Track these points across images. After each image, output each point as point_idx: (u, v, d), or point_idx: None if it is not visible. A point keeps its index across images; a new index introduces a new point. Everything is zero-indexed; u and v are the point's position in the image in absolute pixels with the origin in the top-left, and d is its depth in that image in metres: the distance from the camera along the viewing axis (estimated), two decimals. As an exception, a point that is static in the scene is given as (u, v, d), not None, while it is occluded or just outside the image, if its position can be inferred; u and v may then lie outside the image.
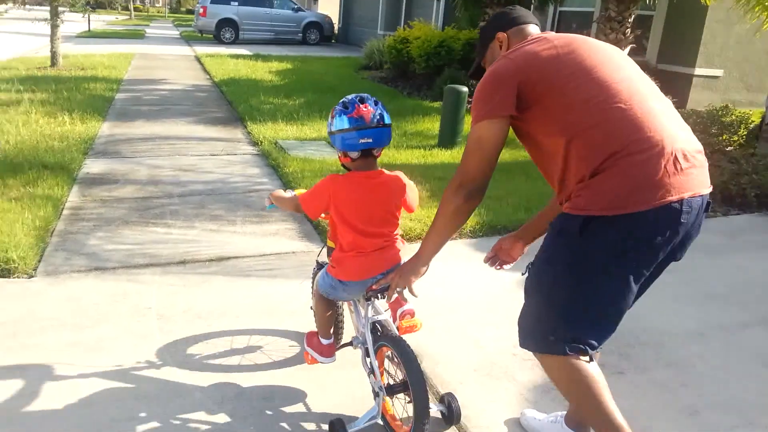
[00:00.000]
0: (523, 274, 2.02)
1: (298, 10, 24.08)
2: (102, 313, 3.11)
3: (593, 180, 1.72)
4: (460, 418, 2.36)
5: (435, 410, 2.35)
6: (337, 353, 2.56)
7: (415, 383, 2.05)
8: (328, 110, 2.40)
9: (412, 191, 2.27)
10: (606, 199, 1.69)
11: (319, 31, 24.09)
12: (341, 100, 2.18)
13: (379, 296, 2.18)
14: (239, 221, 4.49)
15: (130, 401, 2.45)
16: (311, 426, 2.37)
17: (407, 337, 2.29)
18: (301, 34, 23.75)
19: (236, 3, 22.82)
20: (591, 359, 1.86)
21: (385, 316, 2.31)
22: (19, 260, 3.50)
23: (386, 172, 2.24)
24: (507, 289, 3.61)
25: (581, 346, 1.82)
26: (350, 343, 2.50)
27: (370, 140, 2.11)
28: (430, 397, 2.22)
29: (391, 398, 2.28)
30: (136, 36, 26.47)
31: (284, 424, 2.36)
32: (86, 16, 17.97)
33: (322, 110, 8.78)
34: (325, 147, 6.74)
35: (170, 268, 3.66)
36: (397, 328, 2.42)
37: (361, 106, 2.12)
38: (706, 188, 1.76)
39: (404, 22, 19.10)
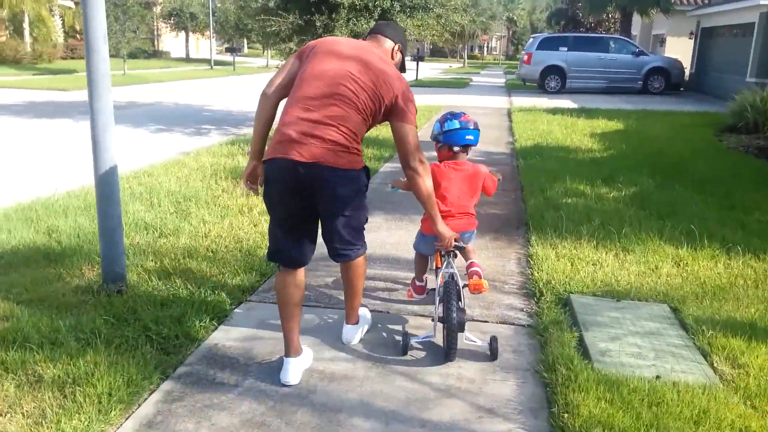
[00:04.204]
0: None
1: (640, 54, 20.15)
2: None
3: None
4: (496, 356, 2.97)
5: (482, 344, 3.03)
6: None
7: (447, 319, 2.86)
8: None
9: (490, 179, 3.32)
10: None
11: (665, 79, 19.81)
12: (448, 113, 3.27)
13: (441, 251, 3.11)
14: None
15: None
16: (398, 328, 3.28)
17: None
18: (641, 82, 19.78)
19: (565, 48, 19.99)
20: (285, 269, 2.82)
21: (453, 270, 3.01)
22: None
23: (470, 163, 3.27)
24: None
25: (275, 259, 2.86)
26: (433, 289, 3.22)
27: (472, 138, 3.19)
28: (478, 335, 3.11)
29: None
30: (461, 85, 25.63)
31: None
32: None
33: (666, 219, 5.29)
34: (668, 328, 3.34)
35: None
36: (467, 285, 3.10)
37: (464, 115, 3.21)
38: (301, 157, 2.59)
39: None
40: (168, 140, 10.08)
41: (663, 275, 4.08)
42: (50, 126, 11.23)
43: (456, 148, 3.19)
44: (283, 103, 2.79)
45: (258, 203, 5.59)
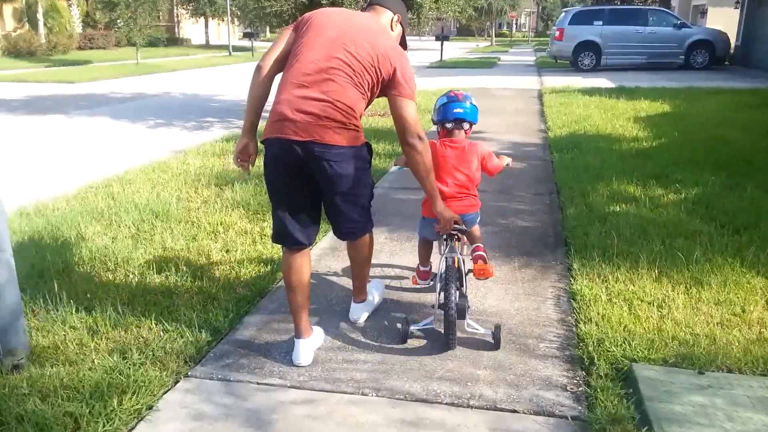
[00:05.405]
0: None
1: (682, 26, 18.63)
2: None
3: None
4: (499, 345, 2.82)
5: (485, 333, 2.88)
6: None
7: (445, 306, 2.71)
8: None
9: (491, 157, 3.09)
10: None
11: (708, 52, 18.28)
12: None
13: (441, 234, 2.92)
14: None
15: None
16: (400, 315, 3.13)
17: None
18: (683, 57, 18.30)
19: (600, 22, 18.58)
20: (290, 250, 2.74)
21: (456, 255, 2.85)
22: None
23: (467, 140, 3.06)
24: None
25: (279, 242, 2.78)
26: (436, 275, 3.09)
27: (461, 110, 3.02)
28: (480, 323, 2.94)
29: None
30: (487, 64, 24.44)
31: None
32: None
33: (743, 233, 4.18)
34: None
35: None
36: (472, 270, 2.96)
37: (454, 91, 3.10)
38: (296, 136, 2.51)
39: None
40: (164, 136, 9.20)
41: (755, 324, 3.01)
42: (40, 123, 10.44)
43: (449, 125, 3.07)
44: (278, 78, 2.69)
45: (237, 221, 4.65)
